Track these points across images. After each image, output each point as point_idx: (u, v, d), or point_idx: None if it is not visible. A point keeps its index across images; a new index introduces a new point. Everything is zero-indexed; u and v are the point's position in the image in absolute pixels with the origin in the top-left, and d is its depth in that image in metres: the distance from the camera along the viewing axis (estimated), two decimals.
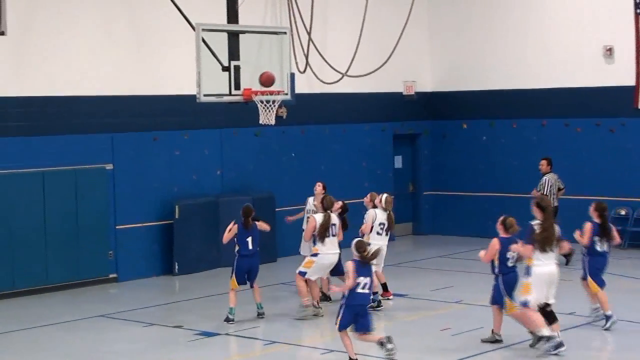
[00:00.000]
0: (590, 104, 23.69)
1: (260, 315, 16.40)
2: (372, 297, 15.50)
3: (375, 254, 13.15)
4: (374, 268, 14.09)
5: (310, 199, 18.17)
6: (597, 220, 15.46)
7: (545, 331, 13.63)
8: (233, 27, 17.93)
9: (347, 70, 23.36)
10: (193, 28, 17.40)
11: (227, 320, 16.01)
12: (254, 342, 15.01)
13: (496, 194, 24.43)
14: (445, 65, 26.07)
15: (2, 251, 18.39)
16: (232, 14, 18.41)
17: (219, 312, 16.68)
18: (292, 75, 18.43)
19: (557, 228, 13.93)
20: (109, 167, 19.97)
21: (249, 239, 16.14)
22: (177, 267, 20.63)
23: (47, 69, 19.07)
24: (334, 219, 16.43)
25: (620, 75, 23.18)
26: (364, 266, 12.89)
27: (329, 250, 16.23)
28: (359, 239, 13.45)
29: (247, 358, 14.36)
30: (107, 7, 19.88)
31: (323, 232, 16.13)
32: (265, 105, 17.72)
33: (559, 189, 21.24)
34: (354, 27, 23.55)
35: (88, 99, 19.66)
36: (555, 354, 13.51)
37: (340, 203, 17.09)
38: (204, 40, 17.08)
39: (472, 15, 25.53)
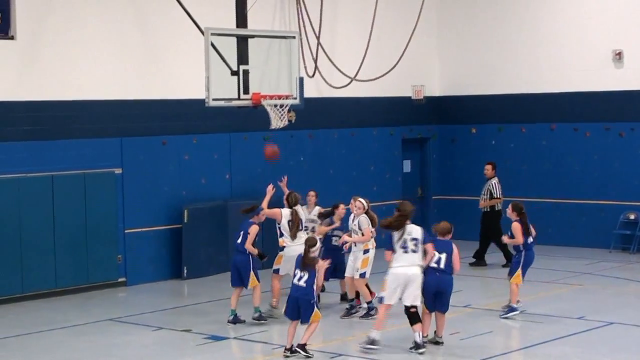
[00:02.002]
0: (600, 108, 23.66)
1: (255, 319, 16.32)
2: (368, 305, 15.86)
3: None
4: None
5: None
6: (517, 218, 16.50)
7: (375, 334, 14.25)
8: (242, 32, 17.95)
9: (356, 75, 23.36)
10: (202, 32, 17.43)
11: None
12: (262, 346, 15.00)
13: (505, 199, 24.44)
14: (454, 69, 26.05)
15: (12, 255, 18.41)
16: (241, 19, 18.43)
17: (227, 317, 16.69)
18: (301, 80, 18.44)
19: (418, 230, 14.31)
20: (118, 171, 19.99)
21: (240, 234, 16.42)
22: (185, 271, 20.64)
23: (56, 73, 19.10)
24: (302, 213, 16.83)
25: (629, 80, 23.15)
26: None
27: (297, 243, 16.22)
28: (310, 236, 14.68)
29: None
30: (117, 11, 19.91)
31: (294, 228, 16.49)
32: (276, 109, 17.75)
33: (493, 196, 21.58)
34: (363, 31, 23.57)
35: (97, 103, 19.69)
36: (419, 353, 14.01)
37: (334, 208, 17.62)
38: (213, 45, 17.10)
39: (481, 19, 25.52)
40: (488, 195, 21.67)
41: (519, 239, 16.32)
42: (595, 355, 14.13)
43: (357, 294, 16.91)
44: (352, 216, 16.79)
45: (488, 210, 21.69)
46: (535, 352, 14.40)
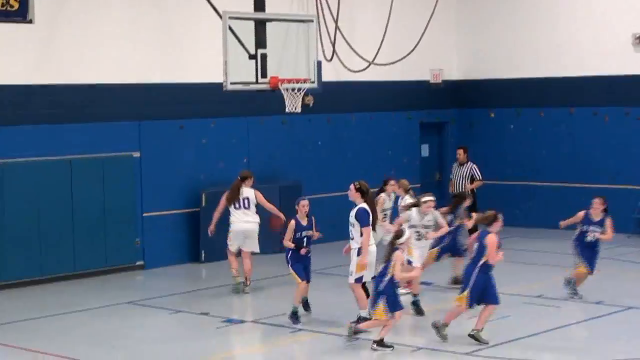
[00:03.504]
0: (619, 92, 23.54)
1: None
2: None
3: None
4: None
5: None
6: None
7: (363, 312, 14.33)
8: (260, 15, 17.92)
9: (374, 59, 23.30)
10: (220, 16, 17.41)
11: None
12: (280, 329, 15.02)
13: (523, 183, 24.37)
14: (472, 53, 25.97)
15: (30, 238, 18.48)
16: (259, 2, 18.40)
17: (245, 300, 16.71)
18: (319, 64, 18.41)
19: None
20: (136, 154, 20.02)
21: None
22: (203, 254, 20.68)
23: (74, 57, 19.12)
24: (246, 192, 17.60)
25: None
26: None
27: (240, 219, 17.56)
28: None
29: (273, 346, 14.38)
30: None
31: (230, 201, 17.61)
32: (291, 93, 17.72)
33: (474, 180, 21.73)
34: (381, 14, 23.49)
35: (115, 87, 19.71)
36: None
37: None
38: (230, 29, 17.08)
39: (500, 2, 25.41)
40: (469, 180, 21.57)
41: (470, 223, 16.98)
42: (614, 341, 14.09)
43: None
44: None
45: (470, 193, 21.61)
46: (554, 336, 14.38)
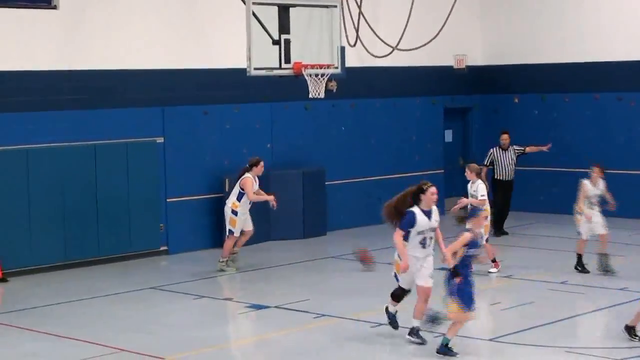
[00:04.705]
0: None
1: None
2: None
3: None
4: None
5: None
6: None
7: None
8: (283, 1, 17.89)
9: (398, 44, 23.23)
10: (244, 1, 17.39)
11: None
12: (303, 314, 15.04)
13: (548, 169, 24.25)
14: (496, 38, 25.85)
15: (55, 223, 18.55)
16: None
17: (268, 286, 16.75)
18: (343, 49, 18.37)
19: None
20: (160, 140, 20.06)
21: None
22: None
23: (98, 42, 19.16)
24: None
25: None
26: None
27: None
28: None
29: (297, 331, 14.39)
30: None
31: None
32: (314, 78, 17.71)
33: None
34: (405, 0, 23.40)
35: (139, 73, 19.74)
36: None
37: None
38: (254, 14, 17.07)
39: None
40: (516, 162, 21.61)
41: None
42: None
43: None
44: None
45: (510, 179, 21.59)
46: (578, 322, 14.35)
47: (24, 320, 14.82)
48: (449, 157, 25.54)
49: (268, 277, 17.83)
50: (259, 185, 18.27)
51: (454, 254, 12.27)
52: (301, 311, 15.21)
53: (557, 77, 24.72)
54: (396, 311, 13.45)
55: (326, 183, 22.03)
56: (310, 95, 17.95)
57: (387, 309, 13.52)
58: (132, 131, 19.61)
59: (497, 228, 21.30)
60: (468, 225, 12.50)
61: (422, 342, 13.01)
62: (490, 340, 13.46)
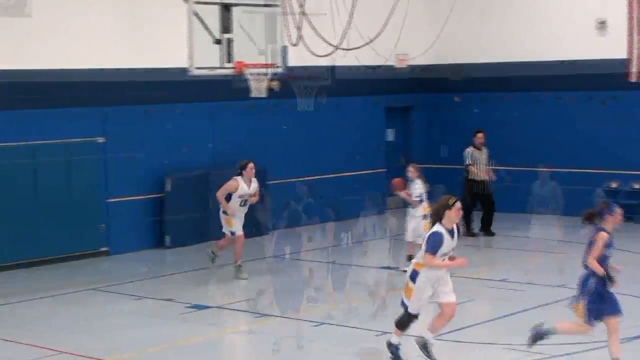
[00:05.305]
0: (583, 76, 23.67)
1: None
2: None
3: None
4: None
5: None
6: None
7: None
8: (225, 0, 17.87)
9: (340, 43, 23.24)
10: (185, 1, 17.34)
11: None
12: (244, 315, 15.03)
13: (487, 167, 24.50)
14: (438, 38, 25.95)
15: None
16: None
17: (210, 285, 16.70)
18: (285, 48, 18.39)
19: None
20: (101, 140, 19.93)
21: None
22: (168, 240, 20.64)
23: (38, 42, 18.97)
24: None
25: (612, 48, 23.16)
26: None
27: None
28: None
29: (238, 331, 14.39)
30: None
31: None
32: (256, 77, 17.71)
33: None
34: None
35: (79, 72, 19.59)
36: None
37: None
38: (196, 13, 17.04)
39: None
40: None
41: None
42: None
43: None
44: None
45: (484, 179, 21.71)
46: (518, 319, 14.45)
47: None
48: (391, 156, 25.64)
49: (209, 277, 17.78)
50: (259, 186, 18.06)
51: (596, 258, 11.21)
52: (242, 311, 15.21)
53: (498, 76, 24.92)
54: (399, 342, 12.16)
55: (267, 182, 22.01)
56: (251, 95, 17.94)
57: (389, 343, 12.19)
58: (72, 131, 19.46)
59: (484, 229, 21.48)
60: (601, 224, 11.33)
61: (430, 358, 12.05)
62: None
